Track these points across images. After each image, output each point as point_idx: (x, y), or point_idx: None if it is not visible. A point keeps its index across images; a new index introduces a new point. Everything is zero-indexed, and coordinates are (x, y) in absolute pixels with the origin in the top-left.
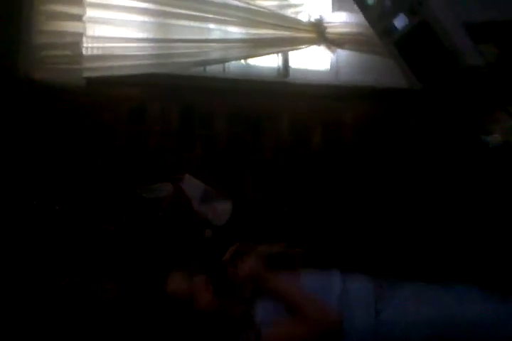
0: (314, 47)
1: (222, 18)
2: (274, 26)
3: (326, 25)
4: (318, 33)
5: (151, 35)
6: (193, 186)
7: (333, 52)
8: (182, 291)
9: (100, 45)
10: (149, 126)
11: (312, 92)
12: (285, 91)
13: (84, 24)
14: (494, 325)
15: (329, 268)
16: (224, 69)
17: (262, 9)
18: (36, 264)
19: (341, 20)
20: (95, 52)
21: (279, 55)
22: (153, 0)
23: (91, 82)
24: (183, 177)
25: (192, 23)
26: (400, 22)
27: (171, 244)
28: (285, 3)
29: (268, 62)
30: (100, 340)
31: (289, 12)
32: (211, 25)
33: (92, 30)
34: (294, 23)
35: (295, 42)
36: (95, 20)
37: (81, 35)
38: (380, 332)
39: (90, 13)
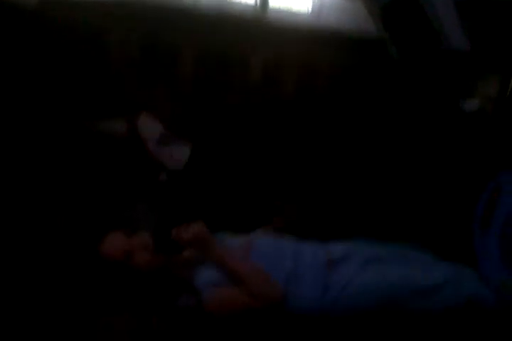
0: None
1: None
2: None
3: None
4: None
5: None
6: (149, 126)
7: None
8: (117, 251)
9: None
10: (110, 54)
11: (289, 35)
12: (260, 32)
13: None
14: (442, 288)
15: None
16: (195, 2)
17: None
18: None
19: None
20: None
21: None
22: None
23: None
24: (140, 115)
25: None
26: None
27: (124, 185)
28: None
29: None
30: None
31: None
32: None
33: None
34: None
35: None
36: None
37: None
38: (328, 301)
39: None
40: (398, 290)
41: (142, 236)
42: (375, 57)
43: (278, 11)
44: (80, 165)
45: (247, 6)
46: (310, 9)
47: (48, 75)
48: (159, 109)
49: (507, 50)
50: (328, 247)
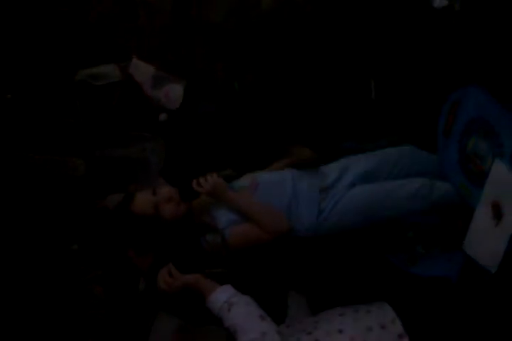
0: None
1: None
2: None
3: None
4: None
5: None
6: (141, 71)
7: None
8: (147, 207)
9: None
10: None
11: None
12: None
13: None
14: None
15: None
16: None
17: None
18: None
19: None
20: None
21: None
22: None
23: None
24: (131, 61)
25: None
26: None
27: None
28: None
29: None
30: None
31: None
32: None
33: None
34: None
35: None
36: None
37: None
38: (320, 221)
39: None
40: (377, 202)
41: (165, 190)
42: None
43: None
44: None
45: None
46: None
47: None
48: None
49: None
50: (321, 176)
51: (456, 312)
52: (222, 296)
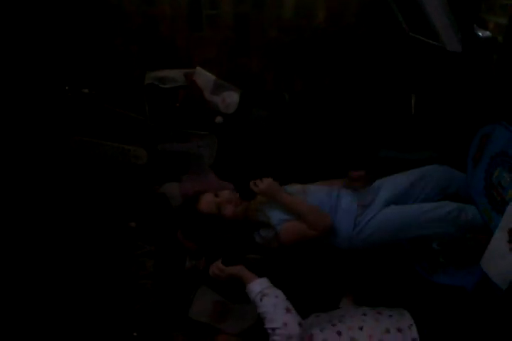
0: None
1: None
2: None
3: None
4: None
5: None
6: (204, 78)
7: None
8: (210, 208)
9: None
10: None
11: None
12: None
13: None
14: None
15: None
16: None
17: None
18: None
19: None
20: None
21: None
22: None
23: None
24: (195, 69)
25: None
26: None
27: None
28: None
29: None
30: None
31: None
32: None
33: None
34: None
35: None
36: None
37: None
38: (355, 233)
39: None
40: (407, 221)
41: (225, 193)
42: None
43: None
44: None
45: None
46: None
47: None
48: (207, 49)
49: None
50: (361, 195)
51: (468, 322)
52: (257, 287)
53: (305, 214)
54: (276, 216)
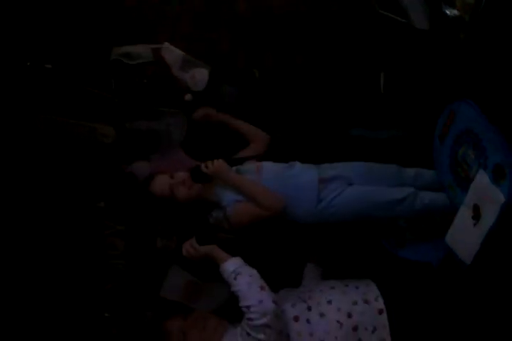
0: None
1: None
2: None
3: None
4: None
5: None
6: (172, 54)
7: None
8: (163, 189)
9: None
10: None
11: None
12: None
13: None
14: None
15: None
16: None
17: None
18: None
19: None
20: None
21: None
22: None
23: None
24: (162, 45)
25: None
26: None
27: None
28: None
29: None
30: None
31: None
32: None
33: None
34: None
35: None
36: None
37: None
38: (318, 210)
39: None
40: (370, 203)
41: (181, 175)
42: None
43: None
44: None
45: None
46: None
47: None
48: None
49: None
50: (322, 169)
51: (433, 295)
52: (231, 266)
53: (256, 195)
54: (227, 197)
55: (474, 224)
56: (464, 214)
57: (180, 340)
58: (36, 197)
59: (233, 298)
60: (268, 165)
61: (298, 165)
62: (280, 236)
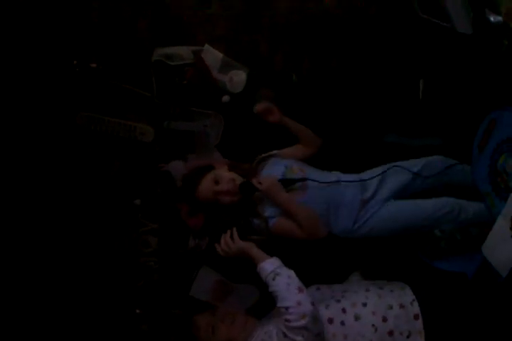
0: None
1: None
2: None
3: None
4: None
5: None
6: (212, 56)
7: None
8: (207, 195)
9: None
10: None
11: None
12: None
13: None
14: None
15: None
16: None
17: None
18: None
19: None
20: None
21: None
22: None
23: None
24: (203, 47)
25: None
26: None
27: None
28: None
29: None
30: None
31: None
32: None
33: None
34: None
35: None
36: None
37: None
38: (354, 229)
39: None
40: (406, 219)
41: (226, 181)
42: None
43: None
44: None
45: None
46: None
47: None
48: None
49: None
50: (363, 186)
51: (467, 304)
52: (270, 266)
53: (301, 221)
54: (271, 210)
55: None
56: (501, 225)
57: (208, 335)
58: (75, 194)
59: (261, 299)
60: (314, 185)
61: (341, 178)
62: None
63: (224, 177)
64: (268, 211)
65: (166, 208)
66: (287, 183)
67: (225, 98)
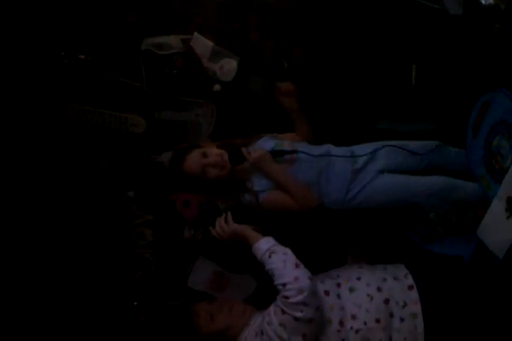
0: None
1: None
2: None
3: None
4: None
5: None
6: (201, 44)
7: None
8: (194, 169)
9: None
10: None
11: None
12: None
13: None
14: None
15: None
16: None
17: None
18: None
19: None
20: None
21: None
22: None
23: None
24: (192, 36)
25: None
26: None
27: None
28: None
29: None
30: None
31: None
32: None
33: None
34: None
35: None
36: None
37: None
38: (346, 199)
39: None
40: (399, 193)
41: (214, 154)
42: None
43: None
44: None
45: None
46: None
47: None
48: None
49: None
50: (354, 158)
51: (463, 281)
52: (265, 245)
53: (292, 191)
54: (260, 183)
55: (508, 217)
56: (496, 207)
57: (208, 323)
58: (66, 187)
59: (258, 289)
60: (304, 157)
61: (332, 150)
62: (309, 220)
63: (212, 151)
64: (258, 185)
65: (160, 199)
66: (277, 154)
67: (217, 87)
